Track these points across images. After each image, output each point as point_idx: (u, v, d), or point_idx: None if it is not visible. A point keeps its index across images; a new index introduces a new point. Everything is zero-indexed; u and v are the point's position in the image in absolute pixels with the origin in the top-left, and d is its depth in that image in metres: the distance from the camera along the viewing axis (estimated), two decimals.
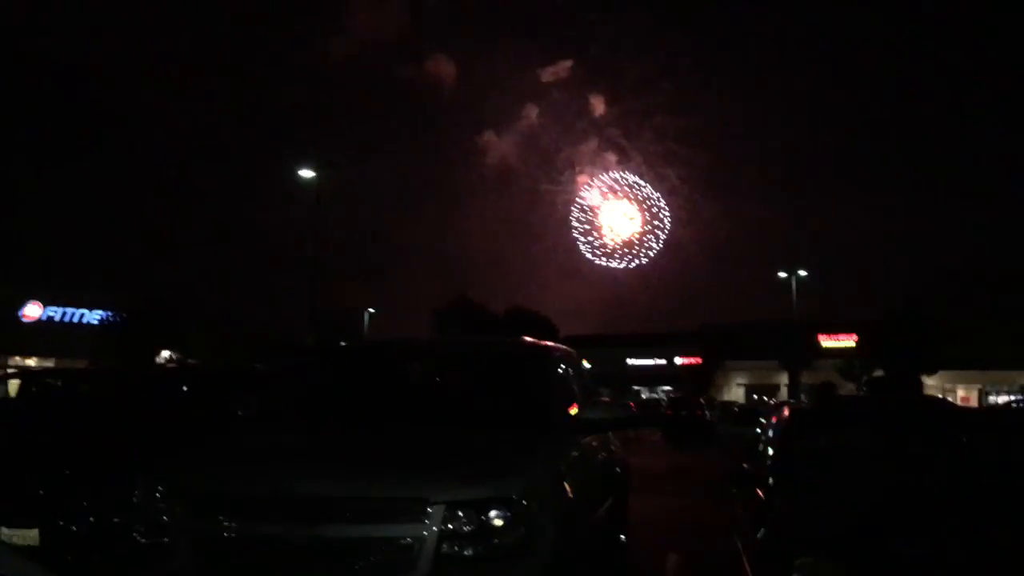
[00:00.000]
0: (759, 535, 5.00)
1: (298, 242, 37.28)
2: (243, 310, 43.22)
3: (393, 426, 4.97)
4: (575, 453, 5.37)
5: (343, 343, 6.38)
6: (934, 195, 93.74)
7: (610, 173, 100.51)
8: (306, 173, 32.05)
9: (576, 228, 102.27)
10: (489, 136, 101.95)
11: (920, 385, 28.46)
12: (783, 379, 62.54)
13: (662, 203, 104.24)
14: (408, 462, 4.32)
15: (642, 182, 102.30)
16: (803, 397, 50.60)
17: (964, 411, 11.84)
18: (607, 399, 10.56)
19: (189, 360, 39.34)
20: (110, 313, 42.86)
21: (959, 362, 49.47)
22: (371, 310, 57.65)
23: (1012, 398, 43.85)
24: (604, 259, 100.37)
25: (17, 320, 45.42)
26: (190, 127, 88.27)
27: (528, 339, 6.54)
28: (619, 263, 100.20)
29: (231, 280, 45.08)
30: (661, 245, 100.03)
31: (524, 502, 4.08)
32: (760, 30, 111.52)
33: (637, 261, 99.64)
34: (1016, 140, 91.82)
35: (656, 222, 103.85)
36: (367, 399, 5.54)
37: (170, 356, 41.72)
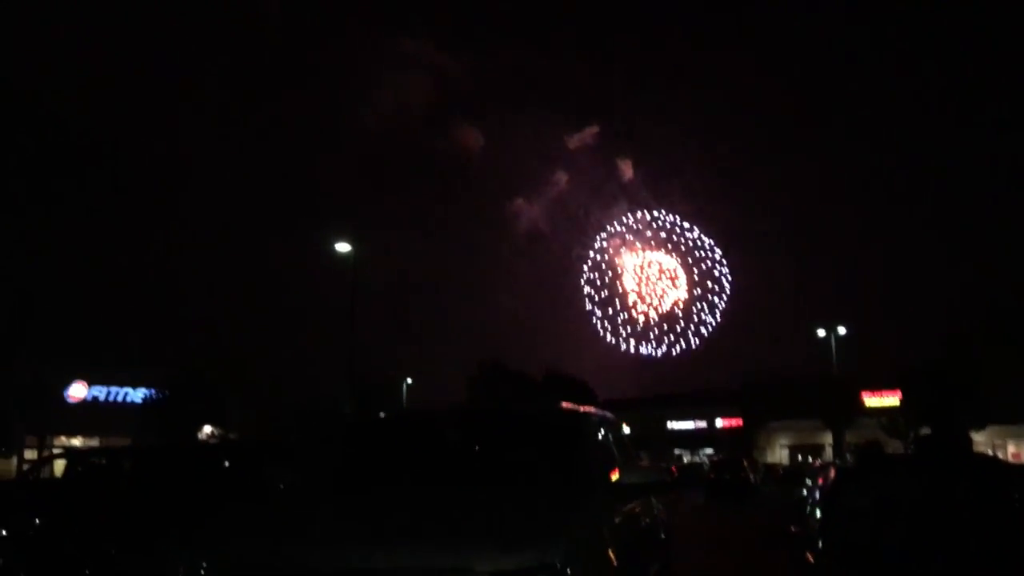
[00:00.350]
0: None
1: (336, 312, 37.53)
2: (283, 381, 43.53)
3: (434, 494, 4.96)
4: (617, 518, 5.31)
5: (381, 412, 6.39)
6: (971, 227, 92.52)
7: (645, 213, 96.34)
8: (342, 247, 32.49)
9: (592, 297, 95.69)
10: (520, 202, 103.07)
11: (970, 442, 27.60)
12: (827, 438, 61.33)
13: (716, 255, 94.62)
14: (451, 530, 4.30)
15: (687, 225, 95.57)
16: (848, 457, 49.61)
17: (1015, 469, 11.53)
18: (646, 463, 10.37)
19: (230, 434, 39.64)
20: (153, 391, 43.40)
21: (1009, 415, 48.19)
22: (409, 380, 57.74)
23: None
24: (632, 340, 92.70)
25: (63, 400, 46.07)
26: (227, 197, 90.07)
27: (566, 404, 6.52)
28: (654, 347, 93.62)
29: (271, 350, 45.42)
30: (719, 316, 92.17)
31: (568, 570, 4.03)
32: (779, 88, 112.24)
33: (682, 342, 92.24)
34: None
35: (710, 282, 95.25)
36: (407, 468, 5.54)
37: (212, 431, 42.05)
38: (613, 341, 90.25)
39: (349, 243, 32.38)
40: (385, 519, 4.58)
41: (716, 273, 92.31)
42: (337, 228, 33.80)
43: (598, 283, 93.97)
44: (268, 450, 8.57)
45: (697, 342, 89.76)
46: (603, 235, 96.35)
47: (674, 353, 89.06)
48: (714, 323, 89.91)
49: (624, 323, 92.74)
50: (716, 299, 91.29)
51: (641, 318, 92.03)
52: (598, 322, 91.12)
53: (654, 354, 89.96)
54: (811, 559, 5.32)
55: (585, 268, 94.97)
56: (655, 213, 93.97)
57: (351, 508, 4.93)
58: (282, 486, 5.43)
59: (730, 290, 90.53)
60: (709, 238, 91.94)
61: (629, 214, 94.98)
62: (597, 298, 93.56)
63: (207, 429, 42.21)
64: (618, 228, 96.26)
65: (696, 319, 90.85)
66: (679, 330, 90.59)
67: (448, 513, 4.57)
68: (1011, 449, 54.24)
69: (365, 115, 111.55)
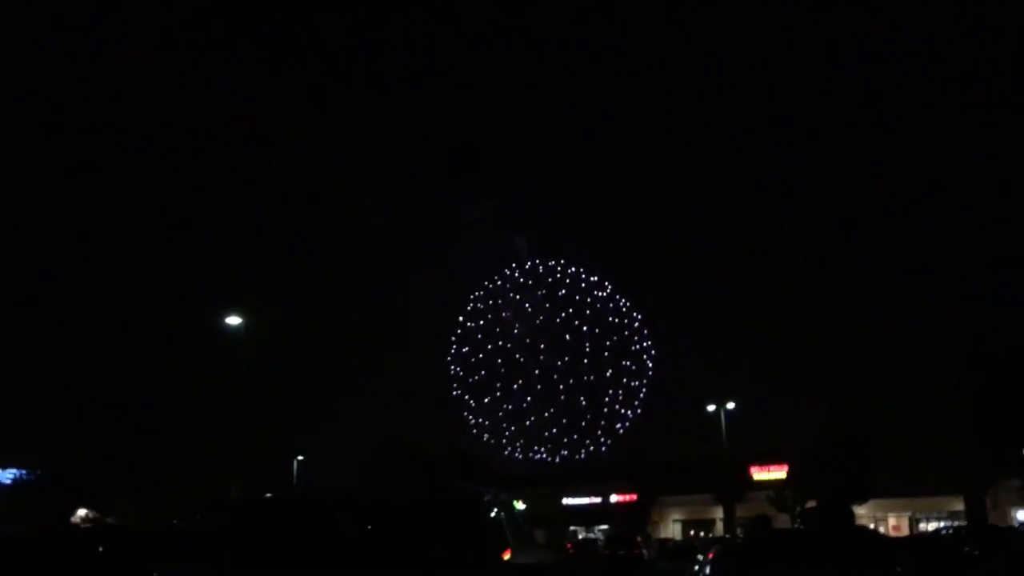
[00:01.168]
0: None
1: (223, 390, 36.41)
2: (169, 465, 41.69)
3: None
4: None
5: (268, 495, 6.15)
6: (860, 320, 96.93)
7: (538, 265, 77.34)
8: (233, 320, 31.69)
9: (461, 378, 77.74)
10: (417, 275, 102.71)
11: (852, 515, 28.60)
12: (719, 513, 62.29)
13: (636, 325, 76.47)
14: None
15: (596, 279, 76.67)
16: (739, 531, 50.43)
17: (890, 540, 11.95)
18: (542, 540, 10.29)
19: (107, 519, 37.64)
20: (23, 471, 40.94)
21: (889, 490, 50.10)
22: (300, 458, 56.17)
23: (941, 524, 44.31)
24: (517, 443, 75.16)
25: None
26: (107, 271, 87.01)
27: (460, 485, 6.46)
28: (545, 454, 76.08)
29: (156, 433, 43.51)
30: (638, 408, 76.15)
31: None
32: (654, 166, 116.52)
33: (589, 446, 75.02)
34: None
35: (628, 360, 78.44)
36: (295, 553, 5.37)
37: (86, 515, 39.84)
38: (491, 440, 75.74)
39: (240, 316, 31.62)
40: None
41: (634, 347, 75.77)
42: (229, 304, 32.80)
43: (471, 360, 77.77)
44: (147, 537, 8.16)
45: (607, 444, 74.86)
46: (480, 294, 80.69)
47: (577, 457, 74.47)
48: (630, 416, 74.76)
49: (505, 417, 78.30)
50: (634, 383, 76.74)
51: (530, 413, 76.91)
52: (470, 416, 76.80)
53: (548, 459, 74.98)
54: None
55: (453, 340, 79.45)
56: (552, 263, 78.69)
57: None
58: None
59: (651, 370, 76.18)
60: (623, 297, 77.12)
61: (516, 270, 79.00)
62: (468, 380, 78.17)
63: (81, 512, 39.97)
64: (504, 285, 79.41)
65: (607, 413, 75.37)
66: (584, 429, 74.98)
67: None
68: (891, 522, 56.11)
69: (260, 188, 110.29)
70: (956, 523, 44.31)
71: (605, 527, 64.89)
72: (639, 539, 38.40)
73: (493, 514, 6.00)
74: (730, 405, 53.30)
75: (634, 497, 65.82)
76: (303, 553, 5.35)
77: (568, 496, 70.02)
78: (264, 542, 5.65)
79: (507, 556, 5.54)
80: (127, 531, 10.50)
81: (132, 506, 37.88)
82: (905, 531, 52.74)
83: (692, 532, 64.17)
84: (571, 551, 44.77)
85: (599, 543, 47.17)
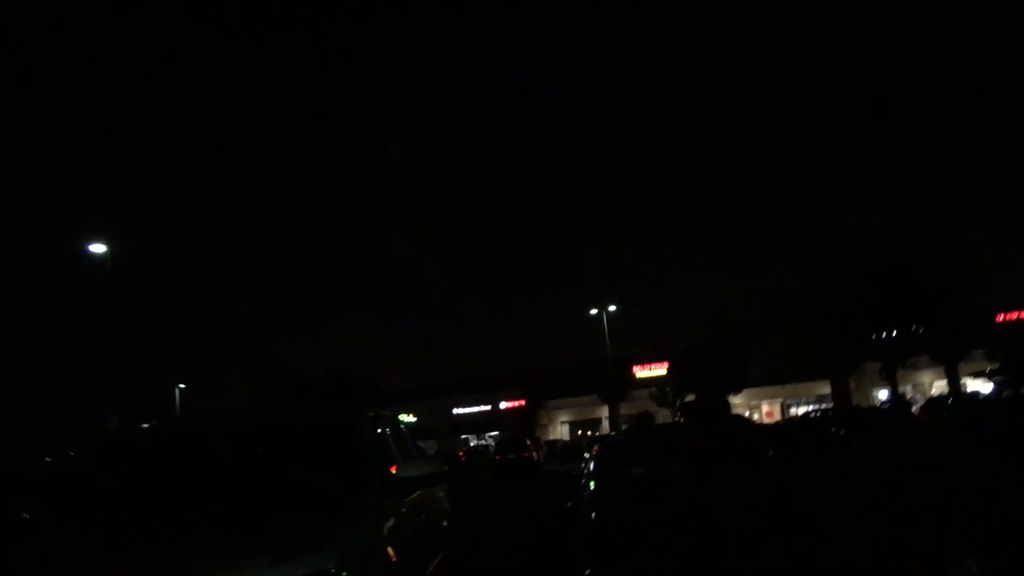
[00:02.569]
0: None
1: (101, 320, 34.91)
2: (44, 400, 40.01)
3: (197, 511, 4.68)
4: (395, 515, 5.26)
5: (144, 425, 5.96)
6: (737, 217, 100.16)
7: None
8: (97, 248, 30.20)
9: None
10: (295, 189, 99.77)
11: (728, 405, 30.03)
12: (604, 412, 64.53)
13: None
14: (215, 547, 4.08)
15: None
16: (624, 428, 52.39)
17: (762, 427, 12.55)
18: (433, 451, 10.36)
19: None
20: None
21: (761, 379, 52.91)
22: (181, 386, 54.91)
23: (811, 408, 47.06)
24: None
25: None
26: None
27: (339, 404, 6.40)
28: None
29: (28, 362, 41.49)
30: None
31: (344, 574, 3.96)
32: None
33: None
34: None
35: None
36: (169, 483, 5.20)
37: None
38: None
39: (105, 242, 30.14)
40: (144, 540, 4.28)
41: None
42: (94, 227, 31.16)
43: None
44: (12, 475, 7.80)
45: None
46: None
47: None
48: None
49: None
50: None
51: None
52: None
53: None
54: (586, 531, 5.49)
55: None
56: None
57: (105, 530, 4.56)
58: (26, 516, 4.93)
59: None
60: None
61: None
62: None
63: None
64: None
65: None
66: None
67: (211, 530, 4.34)
68: (765, 408, 59.38)
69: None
70: (824, 406, 47.20)
71: (495, 434, 66.40)
72: (528, 442, 39.37)
73: (374, 430, 5.95)
74: (612, 308, 54.78)
75: (522, 403, 67.34)
76: (176, 483, 5.19)
77: (457, 406, 71.11)
78: (135, 474, 5.45)
79: (393, 472, 5.52)
80: None
81: (8, 442, 36.33)
82: (777, 416, 55.90)
83: (580, 432, 66.34)
84: (463, 459, 45.73)
85: (490, 449, 48.23)
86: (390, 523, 5.09)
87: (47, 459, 12.82)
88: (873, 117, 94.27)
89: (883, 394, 49.50)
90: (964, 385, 48.29)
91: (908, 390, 49.98)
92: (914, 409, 33.48)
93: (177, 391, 54.42)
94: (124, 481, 5.48)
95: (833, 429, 22.38)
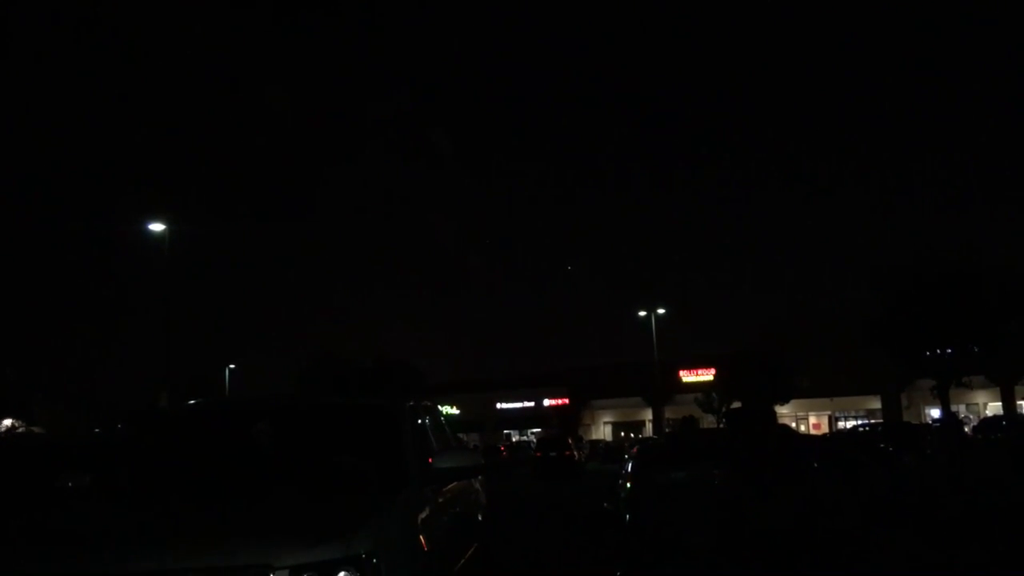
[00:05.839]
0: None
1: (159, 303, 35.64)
2: (96, 375, 41.10)
3: (235, 491, 4.74)
4: (430, 504, 5.26)
5: (190, 403, 6.10)
6: (793, 234, 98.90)
7: None
8: (156, 227, 30.82)
9: None
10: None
11: (774, 415, 29.58)
12: (648, 415, 64.15)
13: None
14: (250, 527, 4.11)
15: None
16: (668, 431, 52.02)
17: (809, 438, 12.34)
18: (474, 445, 10.36)
19: (33, 428, 37.10)
20: None
21: (809, 391, 52.12)
22: (231, 366, 55.84)
23: (859, 422, 46.25)
24: None
25: None
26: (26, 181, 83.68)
27: (382, 392, 6.43)
28: None
29: (85, 345, 42.71)
30: None
31: (374, 560, 3.96)
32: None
33: None
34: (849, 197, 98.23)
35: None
36: (206, 463, 5.27)
37: (12, 424, 39.22)
38: None
39: (164, 223, 30.74)
40: (180, 517, 4.34)
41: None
42: (156, 212, 31.84)
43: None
44: (60, 447, 7.97)
45: None
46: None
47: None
48: None
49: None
50: None
51: None
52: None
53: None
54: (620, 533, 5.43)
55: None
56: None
57: (142, 506, 4.64)
58: (71, 486, 5.04)
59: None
60: None
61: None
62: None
63: (7, 423, 39.32)
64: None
65: None
66: None
67: (247, 510, 4.38)
68: (812, 420, 58.52)
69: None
70: (872, 421, 46.34)
71: (538, 430, 66.37)
72: (570, 441, 39.28)
73: (416, 421, 5.97)
74: (660, 311, 54.41)
75: (566, 401, 67.21)
76: (216, 461, 5.25)
77: (501, 401, 71.21)
78: (177, 450, 5.53)
79: (430, 462, 5.53)
80: (40, 439, 10.27)
81: (67, 417, 37.32)
82: (825, 429, 55.05)
83: (623, 434, 66.04)
84: (504, 454, 45.78)
85: (532, 446, 48.21)
86: (425, 513, 5.09)
87: (96, 431, 13.10)
88: (933, 129, 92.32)
89: (935, 412, 48.45)
90: (1021, 407, 47.04)
91: (961, 410, 48.82)
92: (967, 429, 32.69)
93: (227, 371, 55.34)
94: (165, 456, 5.57)
95: (882, 444, 21.98)
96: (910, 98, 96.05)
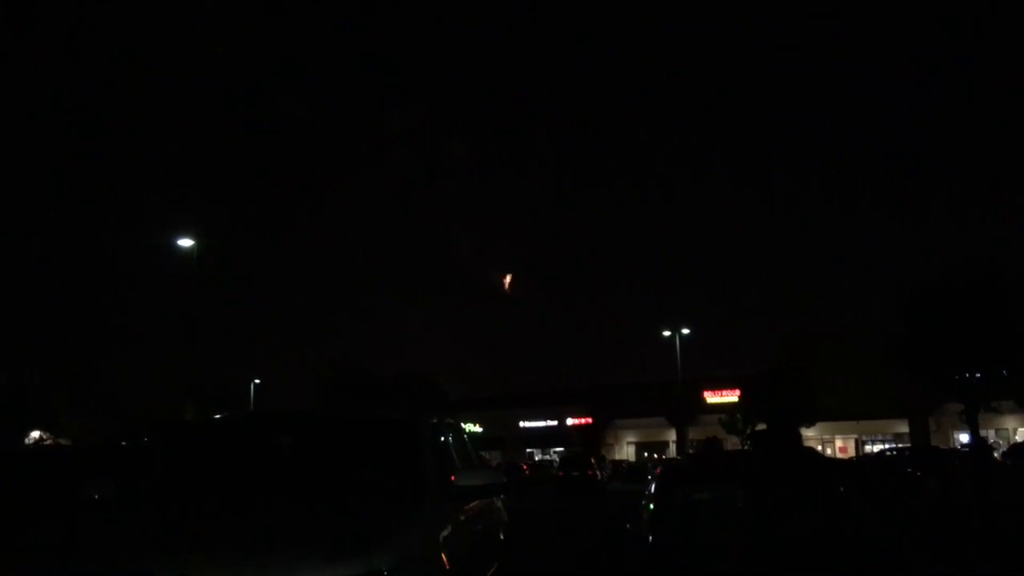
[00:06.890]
0: None
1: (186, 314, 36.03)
2: (123, 387, 41.41)
3: (258, 503, 4.74)
4: (452, 522, 5.25)
5: (216, 416, 6.13)
6: (817, 254, 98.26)
7: None
8: (185, 242, 31.20)
9: None
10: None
11: (799, 437, 29.27)
12: (672, 435, 63.71)
13: None
14: (272, 542, 4.11)
15: None
16: (690, 452, 51.64)
17: (833, 461, 12.19)
18: (497, 463, 10.32)
19: (59, 440, 37.40)
20: None
21: (836, 414, 51.51)
22: (257, 380, 56.14)
23: (886, 446, 45.67)
24: None
25: None
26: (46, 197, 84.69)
27: (402, 408, 6.42)
28: None
29: (109, 356, 43.05)
30: None
31: None
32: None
33: None
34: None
35: None
36: (230, 475, 5.29)
37: (40, 436, 39.56)
38: None
39: (193, 238, 31.14)
40: (201, 529, 4.33)
41: None
42: (178, 225, 32.32)
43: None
44: (85, 457, 8.04)
45: None
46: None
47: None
48: None
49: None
50: None
51: None
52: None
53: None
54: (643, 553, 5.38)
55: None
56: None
57: (164, 518, 4.64)
58: (96, 496, 5.07)
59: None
60: None
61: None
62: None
63: (34, 435, 39.69)
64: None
65: None
66: None
67: (270, 523, 4.37)
68: (838, 443, 57.86)
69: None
70: (900, 445, 45.75)
71: (561, 449, 66.10)
72: (593, 460, 39.13)
73: (438, 438, 5.96)
74: (685, 331, 54.12)
75: (589, 420, 66.95)
76: (238, 473, 5.27)
77: (524, 419, 71.05)
78: (200, 462, 5.56)
79: (452, 480, 5.52)
80: (67, 449, 10.37)
81: (94, 428, 37.60)
82: (851, 452, 54.42)
83: (646, 454, 65.63)
84: (527, 472, 45.63)
85: (554, 465, 48.04)
86: (446, 530, 5.07)
87: (123, 443, 13.20)
88: (960, 147, 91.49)
89: (964, 437, 47.70)
90: None
91: (991, 435, 48.09)
92: (996, 455, 32.16)
93: (252, 385, 55.65)
94: (189, 467, 5.60)
95: (909, 469, 21.68)
96: (935, 113, 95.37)
